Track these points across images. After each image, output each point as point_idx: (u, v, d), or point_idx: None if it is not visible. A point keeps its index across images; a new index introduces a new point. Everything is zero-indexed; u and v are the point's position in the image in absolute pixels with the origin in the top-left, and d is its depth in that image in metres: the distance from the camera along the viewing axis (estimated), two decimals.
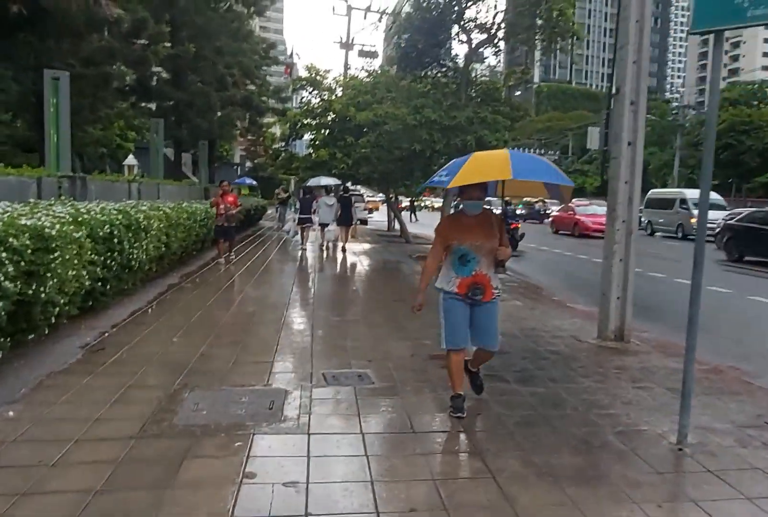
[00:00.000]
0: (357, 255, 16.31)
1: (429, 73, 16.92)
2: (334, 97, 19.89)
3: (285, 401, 4.53)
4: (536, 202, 46.03)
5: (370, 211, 43.61)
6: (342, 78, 19.91)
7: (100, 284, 6.55)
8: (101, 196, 9.54)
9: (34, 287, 4.75)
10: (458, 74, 16.19)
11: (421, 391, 5.02)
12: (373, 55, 30.78)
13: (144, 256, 7.95)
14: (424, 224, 29.92)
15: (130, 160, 36.55)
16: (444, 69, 16.46)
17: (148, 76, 20.49)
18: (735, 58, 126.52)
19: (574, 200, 39.19)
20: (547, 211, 41.55)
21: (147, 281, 9.41)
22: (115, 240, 6.66)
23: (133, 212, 7.59)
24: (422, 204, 54.21)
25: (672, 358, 6.59)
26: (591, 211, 28.05)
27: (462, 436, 4.15)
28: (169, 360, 5.45)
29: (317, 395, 4.73)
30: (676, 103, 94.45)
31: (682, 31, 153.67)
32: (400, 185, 19.87)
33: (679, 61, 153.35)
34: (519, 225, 18.85)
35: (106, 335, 6.24)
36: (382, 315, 8.05)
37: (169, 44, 18.25)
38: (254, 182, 50.60)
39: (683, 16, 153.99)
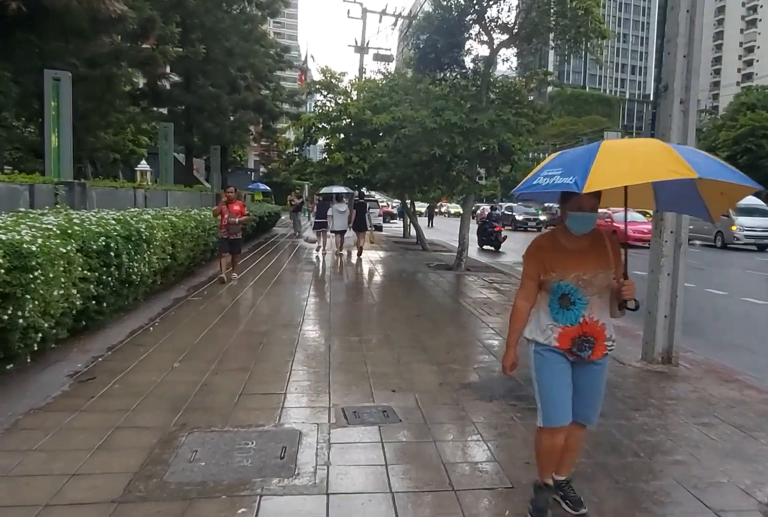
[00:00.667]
0: (373, 264, 15.67)
1: (448, 75, 16.27)
2: (349, 100, 19.31)
3: (299, 447, 3.85)
4: (558, 207, 44.78)
5: (392, 217, 42.93)
6: (357, 81, 19.32)
7: (94, 302, 5.92)
8: (103, 204, 8.96)
9: (10, 312, 4.13)
10: (478, 76, 15.53)
11: (455, 432, 4.33)
12: (388, 58, 30.20)
13: (146, 269, 7.33)
14: (439, 230, 29.33)
15: (143, 165, 36.24)
16: (464, 70, 15.79)
17: (159, 79, 19.94)
18: (749, 63, 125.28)
19: (610, 207, 38.41)
20: (540, 219, 40.59)
21: (151, 295, 8.80)
22: (112, 253, 6.02)
23: (134, 222, 6.96)
24: (439, 209, 53.59)
25: (728, 385, 5.91)
26: (630, 218, 25.82)
27: (510, 494, 3.46)
28: (167, 392, 4.80)
29: (336, 437, 4.06)
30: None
31: None
32: (417, 191, 19.18)
33: None
34: (501, 228, 22.16)
35: (100, 359, 5.61)
36: (403, 334, 7.38)
37: (179, 48, 17.78)
38: (268, 188, 50.24)
39: None
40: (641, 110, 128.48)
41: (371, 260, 16.45)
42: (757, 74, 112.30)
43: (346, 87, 19.54)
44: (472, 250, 26.21)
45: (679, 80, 6.37)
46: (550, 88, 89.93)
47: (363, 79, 19.91)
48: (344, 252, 17.53)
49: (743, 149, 46.12)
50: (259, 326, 7.43)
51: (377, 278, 12.81)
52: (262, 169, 62.51)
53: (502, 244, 21.35)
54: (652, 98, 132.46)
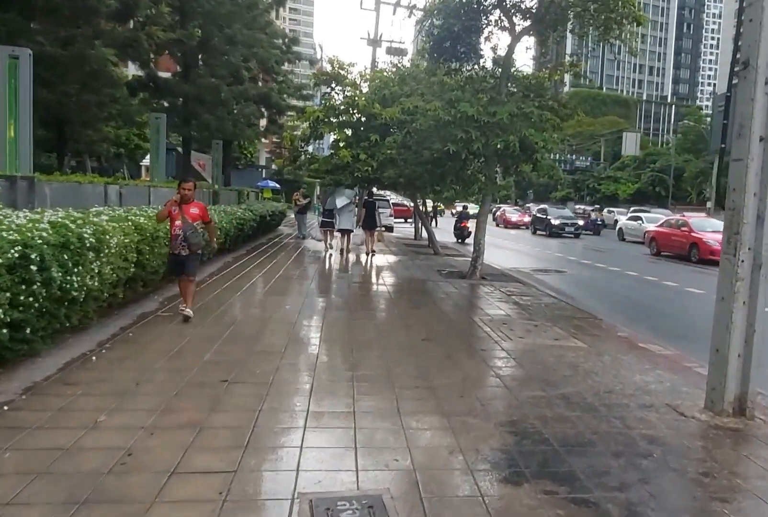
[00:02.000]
0: (379, 270, 14.31)
1: (465, 65, 14.88)
2: (358, 92, 17.96)
3: None
4: (592, 210, 43.35)
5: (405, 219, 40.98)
6: (367, 72, 17.93)
7: (8, 329, 4.60)
8: (61, 203, 7.66)
9: None
10: (497, 67, 14.13)
11: None
12: (402, 52, 28.82)
13: (95, 283, 6.01)
14: (448, 231, 27.89)
15: (148, 160, 35.18)
16: (482, 59, 14.40)
17: (146, 65, 18.55)
18: None
19: (685, 213, 36.01)
20: (601, 221, 38.89)
21: (113, 310, 7.50)
22: (33, 267, 4.70)
23: (76, 225, 5.63)
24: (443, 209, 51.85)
25: None
26: (711, 227, 20.13)
27: None
28: (70, 469, 3.46)
29: None
30: (707, 111, 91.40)
31: (713, 38, 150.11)
32: (429, 191, 17.74)
33: (710, 69, 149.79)
34: (467, 224, 24.65)
35: (5, 408, 4.29)
36: (407, 367, 6.02)
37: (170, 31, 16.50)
38: (277, 185, 49.03)
39: (714, 23, 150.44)
40: (659, 112, 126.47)
41: (378, 266, 15.11)
42: None
43: (355, 78, 18.17)
44: (452, 240, 25.18)
45: (764, 54, 4.96)
46: (566, 88, 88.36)
47: (375, 71, 18.51)
48: (348, 248, 17.34)
49: None
50: (231, 354, 6.09)
51: (382, 289, 11.45)
52: (273, 166, 61.24)
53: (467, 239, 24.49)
54: (669, 99, 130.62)
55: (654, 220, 29.18)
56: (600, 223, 37.96)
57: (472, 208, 28.92)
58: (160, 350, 6.02)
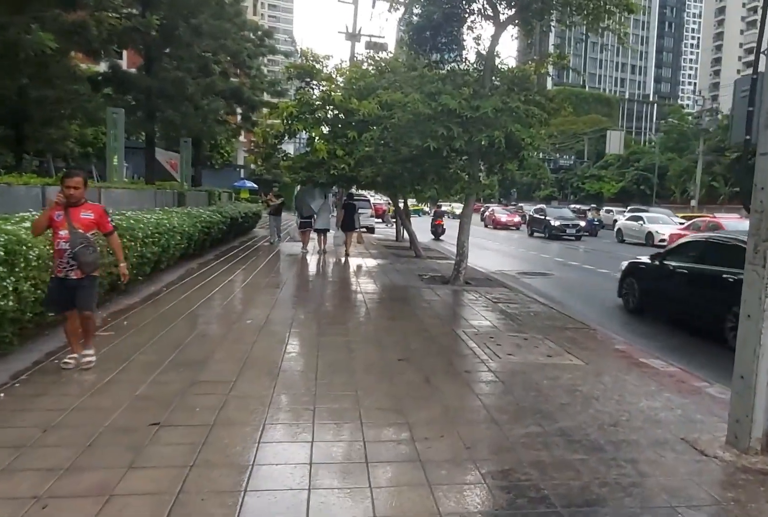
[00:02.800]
0: (356, 276, 13.43)
1: (446, 57, 14.05)
2: (333, 86, 17.07)
3: None
4: (588, 209, 41.06)
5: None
6: (344, 65, 16.98)
7: None
8: None
9: None
10: (481, 59, 13.30)
11: None
12: (382, 47, 27.94)
13: (9, 303, 5.08)
14: (421, 229, 27.06)
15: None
16: (464, 51, 13.55)
17: (95, 55, 17.36)
18: (749, 65, 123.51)
19: (715, 213, 33.02)
20: (599, 221, 36.43)
21: (43, 330, 6.57)
22: None
23: None
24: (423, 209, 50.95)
25: None
26: (742, 227, 16.22)
27: None
28: None
29: None
30: (689, 110, 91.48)
31: (693, 37, 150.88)
32: (409, 190, 16.84)
33: (690, 68, 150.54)
34: (442, 222, 27.20)
35: None
36: (379, 396, 5.17)
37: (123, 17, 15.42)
38: (255, 186, 47.87)
39: (695, 22, 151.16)
40: (641, 110, 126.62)
41: (355, 271, 14.24)
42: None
43: (330, 72, 17.24)
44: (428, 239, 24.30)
45: None
46: (549, 86, 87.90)
47: (352, 64, 17.56)
48: (326, 252, 17.12)
49: (754, 149, 43.86)
50: (171, 385, 5.17)
51: (358, 298, 10.58)
52: (252, 166, 60.10)
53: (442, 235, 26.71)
54: (651, 98, 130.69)
55: (656, 220, 28.15)
56: (597, 223, 35.59)
57: (457, 208, 28.47)
58: (85, 383, 5.10)
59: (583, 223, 31.85)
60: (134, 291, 9.37)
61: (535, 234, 32.82)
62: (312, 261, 15.61)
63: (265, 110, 25.03)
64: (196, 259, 13.92)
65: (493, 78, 13.26)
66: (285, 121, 16.87)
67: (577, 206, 48.22)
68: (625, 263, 11.48)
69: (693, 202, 51.91)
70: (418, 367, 6.17)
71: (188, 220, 12.57)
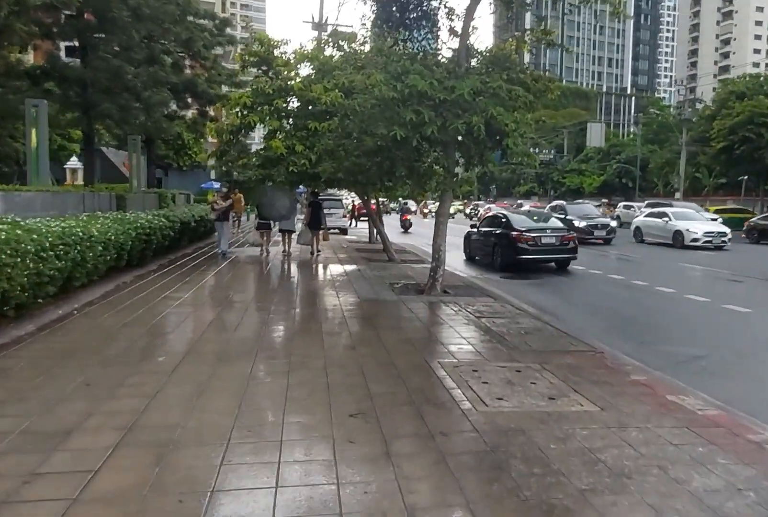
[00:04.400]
0: (317, 289, 11.68)
1: (416, 35, 12.35)
2: (293, 74, 15.32)
3: None
4: (598, 205, 36.66)
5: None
6: (305, 50, 15.12)
7: None
8: None
9: None
10: (455, 36, 11.58)
11: None
12: (350, 39, 26.16)
13: None
14: (413, 232, 25.34)
15: (74, 162, 31.73)
16: (436, 27, 11.84)
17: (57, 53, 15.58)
18: (725, 56, 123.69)
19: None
20: (610, 225, 26.12)
21: None
22: None
23: None
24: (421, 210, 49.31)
25: None
26: None
27: None
28: None
29: None
30: (666, 102, 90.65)
31: (668, 30, 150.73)
32: (379, 187, 15.03)
33: (666, 61, 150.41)
34: (408, 217, 29.17)
35: None
36: (310, 492, 3.45)
37: None
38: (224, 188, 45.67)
39: (669, 15, 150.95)
40: (618, 103, 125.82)
41: (318, 281, 12.53)
42: (734, 66, 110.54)
43: (288, 58, 15.41)
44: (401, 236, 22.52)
45: None
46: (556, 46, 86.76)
47: (311, 50, 15.73)
48: (290, 255, 16.81)
49: (741, 139, 42.62)
50: (5, 480, 3.43)
51: (315, 316, 8.85)
52: (223, 167, 57.69)
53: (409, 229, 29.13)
54: (629, 90, 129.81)
55: (684, 216, 24.62)
56: (609, 228, 27.15)
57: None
58: None
59: (614, 223, 26.04)
60: (32, 317, 7.54)
61: None
62: (269, 269, 13.86)
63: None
64: (134, 271, 12.09)
65: (470, 58, 11.59)
66: (239, 113, 15.12)
67: (605, 200, 44.04)
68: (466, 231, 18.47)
69: (677, 195, 50.77)
70: (375, 427, 4.46)
71: (119, 226, 10.76)
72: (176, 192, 22.54)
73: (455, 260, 16.35)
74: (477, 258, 17.46)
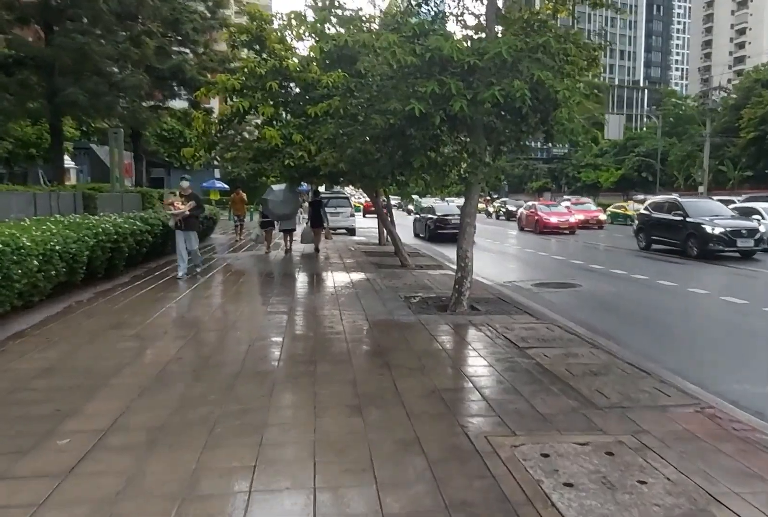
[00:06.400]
0: (317, 306, 9.53)
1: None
2: (288, 53, 13.21)
3: None
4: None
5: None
6: (297, 22, 12.89)
7: None
8: None
9: None
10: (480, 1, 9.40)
11: None
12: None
13: None
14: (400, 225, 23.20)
15: (67, 162, 29.90)
16: None
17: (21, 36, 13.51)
18: (741, 46, 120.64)
19: None
20: (759, 231, 17.93)
21: None
22: None
23: None
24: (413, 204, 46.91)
25: None
26: None
27: None
28: None
29: None
30: (680, 94, 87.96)
31: (679, 22, 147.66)
32: (390, 182, 12.71)
33: (677, 53, 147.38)
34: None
35: None
36: None
37: None
38: (226, 186, 43.60)
39: (680, 7, 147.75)
40: (631, 97, 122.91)
41: (321, 293, 10.42)
42: (749, 57, 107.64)
43: (283, 34, 13.24)
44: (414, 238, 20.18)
45: None
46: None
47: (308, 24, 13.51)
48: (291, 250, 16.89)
49: None
50: None
51: (307, 351, 6.75)
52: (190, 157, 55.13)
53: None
54: (642, 83, 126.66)
55: None
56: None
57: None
58: None
59: (763, 229, 18.08)
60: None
61: (654, 246, 19.78)
62: (262, 279, 11.79)
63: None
64: (98, 285, 10.03)
65: (500, 22, 9.42)
66: (228, 99, 13.05)
67: (644, 196, 36.11)
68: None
69: (701, 189, 48.38)
70: None
71: (72, 233, 8.67)
72: (167, 191, 20.45)
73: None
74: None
